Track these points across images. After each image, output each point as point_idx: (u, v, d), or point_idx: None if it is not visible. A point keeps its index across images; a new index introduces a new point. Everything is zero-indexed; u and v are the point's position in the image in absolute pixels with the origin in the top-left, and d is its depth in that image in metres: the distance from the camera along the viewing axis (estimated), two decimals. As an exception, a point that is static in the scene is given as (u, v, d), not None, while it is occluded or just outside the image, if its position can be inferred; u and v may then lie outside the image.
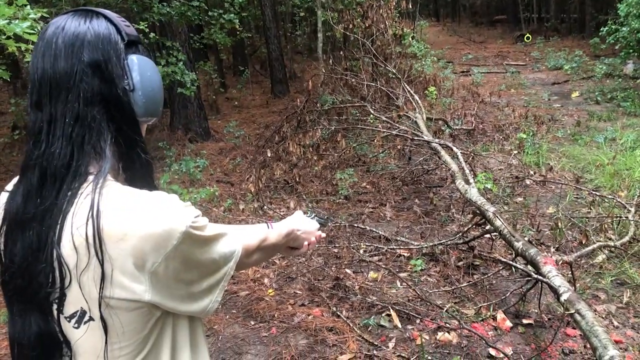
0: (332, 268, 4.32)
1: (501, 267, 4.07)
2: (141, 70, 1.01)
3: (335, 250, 4.62)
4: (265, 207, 5.67)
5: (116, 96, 0.98)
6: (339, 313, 3.68)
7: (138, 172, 1.03)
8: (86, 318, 0.93)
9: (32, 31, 3.66)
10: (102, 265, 0.88)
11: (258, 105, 11.56)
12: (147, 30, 5.84)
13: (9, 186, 1.04)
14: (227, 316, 3.79)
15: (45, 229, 0.92)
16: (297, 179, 6.07)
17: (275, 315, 3.74)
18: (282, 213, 5.53)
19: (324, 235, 1.57)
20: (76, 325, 0.94)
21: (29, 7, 3.97)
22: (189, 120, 8.53)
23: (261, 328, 3.62)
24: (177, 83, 6.95)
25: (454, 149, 5.28)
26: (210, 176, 6.86)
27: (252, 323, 3.69)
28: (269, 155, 6.47)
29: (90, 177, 0.94)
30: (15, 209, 0.96)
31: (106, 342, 0.94)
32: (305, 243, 1.49)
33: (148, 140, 8.67)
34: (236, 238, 1.09)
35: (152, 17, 6.69)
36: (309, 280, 4.14)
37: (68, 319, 0.94)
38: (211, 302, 1.02)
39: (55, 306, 0.94)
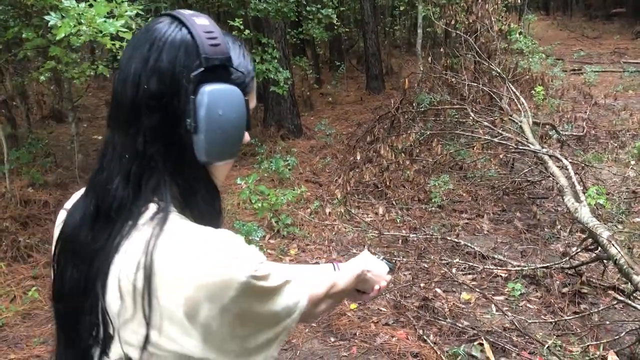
0: (421, 285, 4.03)
1: (615, 302, 3.59)
2: (210, 108, 0.82)
3: (425, 265, 4.32)
4: (352, 211, 5.44)
5: (178, 137, 0.83)
6: (425, 337, 3.40)
7: (198, 215, 0.88)
8: None
9: (125, 30, 3.65)
10: (149, 314, 0.78)
11: (352, 101, 11.33)
12: (242, 27, 5.78)
13: (68, 204, 0.97)
14: (307, 330, 3.62)
15: (93, 272, 0.84)
16: (387, 183, 5.79)
17: (357, 334, 3.52)
18: (369, 219, 5.29)
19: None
20: None
21: (126, 4, 3.97)
22: (282, 117, 8.47)
23: (341, 346, 3.42)
24: (270, 80, 6.88)
25: (564, 160, 4.77)
26: (299, 175, 6.74)
27: (332, 340, 3.50)
28: (358, 158, 6.23)
29: (150, 210, 0.82)
30: (71, 229, 0.90)
31: None
32: (376, 287, 1.30)
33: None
34: (302, 286, 0.94)
35: (249, 14, 6.65)
36: (394, 297, 3.88)
37: None
38: (266, 357, 0.87)
39: (98, 350, 0.86)
